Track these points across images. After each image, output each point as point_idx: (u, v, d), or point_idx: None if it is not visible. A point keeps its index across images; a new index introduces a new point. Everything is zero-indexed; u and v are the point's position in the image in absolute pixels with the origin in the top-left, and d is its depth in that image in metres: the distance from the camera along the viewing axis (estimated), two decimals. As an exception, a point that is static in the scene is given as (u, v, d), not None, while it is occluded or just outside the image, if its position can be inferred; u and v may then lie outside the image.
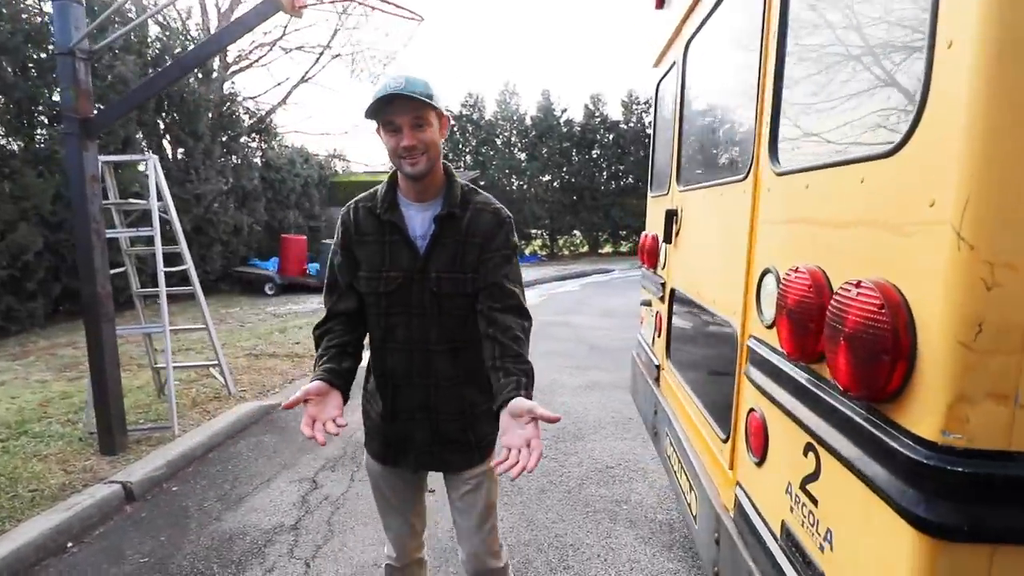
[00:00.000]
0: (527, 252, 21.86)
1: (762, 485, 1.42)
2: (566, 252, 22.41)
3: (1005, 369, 0.75)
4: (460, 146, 21.17)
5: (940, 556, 0.80)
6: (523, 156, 20.98)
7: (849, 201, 1.03)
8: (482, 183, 19.76)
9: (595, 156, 21.28)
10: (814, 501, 1.13)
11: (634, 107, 21.20)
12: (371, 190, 1.58)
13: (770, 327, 1.39)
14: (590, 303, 10.45)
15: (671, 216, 2.57)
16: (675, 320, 2.64)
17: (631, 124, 21.10)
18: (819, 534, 1.11)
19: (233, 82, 12.62)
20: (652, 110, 3.34)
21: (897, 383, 0.85)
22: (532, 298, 11.20)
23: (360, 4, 4.40)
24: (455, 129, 20.97)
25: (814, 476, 1.14)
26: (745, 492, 1.52)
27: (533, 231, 22.08)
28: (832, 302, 0.99)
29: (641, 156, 20.40)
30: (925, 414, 0.81)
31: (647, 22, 3.25)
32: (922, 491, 0.80)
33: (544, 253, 21.88)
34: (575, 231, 22.07)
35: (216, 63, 12.18)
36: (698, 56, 2.34)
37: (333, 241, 1.62)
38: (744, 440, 1.53)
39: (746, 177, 1.62)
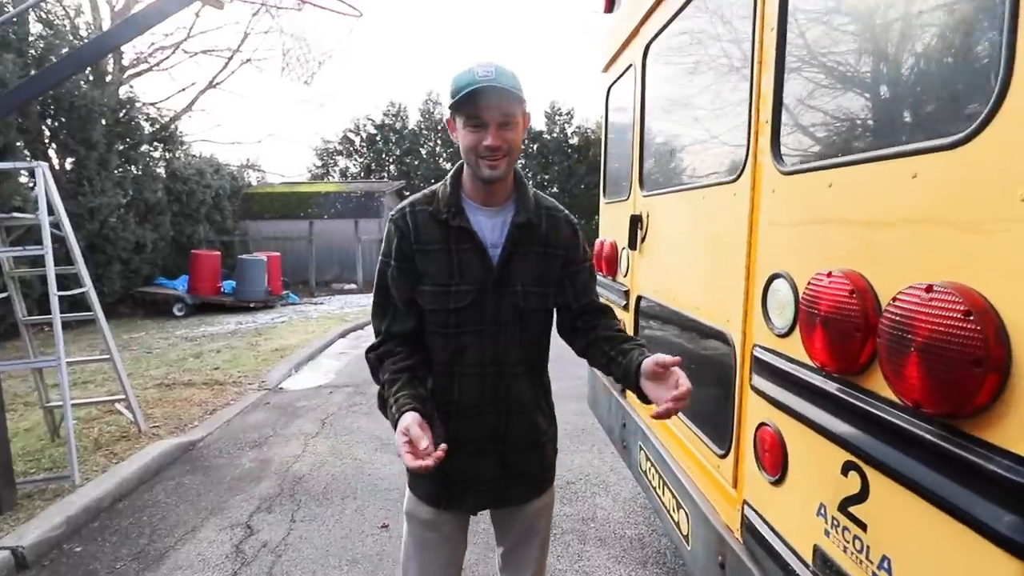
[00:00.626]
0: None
1: (782, 505, 1.33)
2: (495, 262, 22.40)
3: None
4: (383, 155, 20.66)
5: (1055, 591, 0.71)
6: (448, 166, 20.79)
7: (896, 199, 0.96)
8: (407, 192, 19.38)
9: (520, 166, 21.46)
10: (861, 525, 1.04)
11: (556, 118, 21.60)
12: (425, 192, 1.41)
13: (785, 336, 1.30)
14: (526, 312, 10.40)
15: (635, 221, 2.49)
16: (643, 329, 2.56)
17: (554, 135, 21.48)
18: (871, 561, 1.02)
19: (131, 86, 11.55)
20: (603, 116, 3.28)
21: (986, 398, 0.77)
22: (467, 309, 10.98)
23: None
24: (378, 138, 20.47)
25: (859, 498, 1.05)
26: (757, 512, 1.43)
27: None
28: (891, 310, 0.90)
29: (565, 166, 20.79)
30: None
31: (593, 27, 3.20)
32: (1031, 519, 0.72)
33: (473, 263, 21.75)
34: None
35: (111, 65, 11.10)
36: (663, 58, 2.28)
37: (382, 253, 1.41)
38: (754, 456, 1.44)
39: (738, 178, 1.55)
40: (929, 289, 0.83)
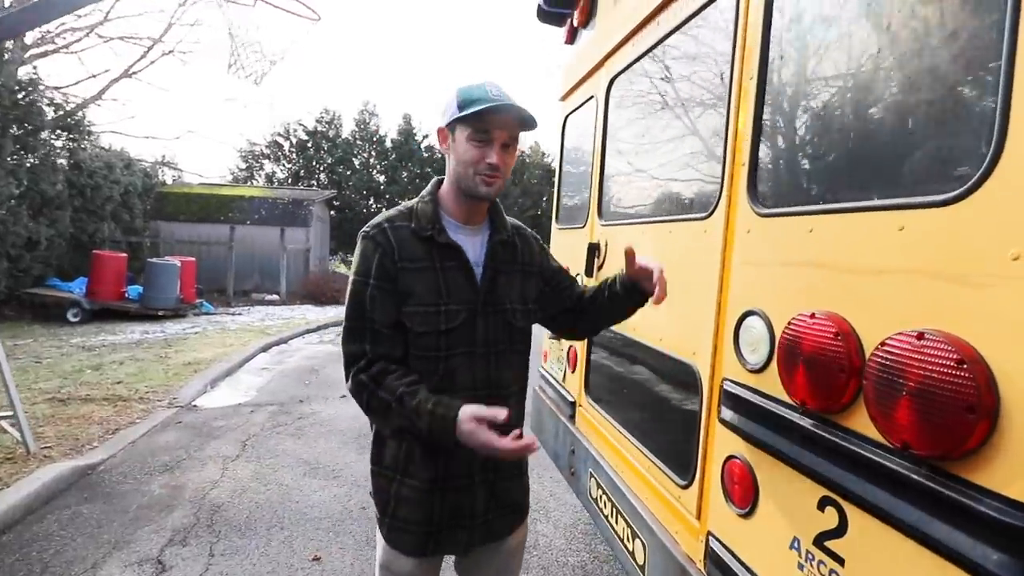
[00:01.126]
0: (385, 277, 21.17)
1: (751, 538, 1.35)
2: (425, 278, 22.14)
3: (1099, 428, 0.74)
4: (314, 163, 19.99)
5: (1040, 628, 0.76)
6: (382, 178, 20.43)
7: (878, 246, 1.01)
8: (337, 203, 18.82)
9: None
10: (838, 560, 1.08)
11: (493, 139, 21.86)
12: (400, 208, 1.36)
13: (758, 371, 1.34)
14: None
15: (593, 250, 2.53)
16: (596, 357, 2.58)
17: (490, 155, 21.70)
18: (848, 596, 1.05)
19: (35, 67, 10.51)
20: (559, 144, 3.33)
21: (977, 442, 0.82)
22: (397, 326, 10.73)
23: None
24: (309, 145, 19.81)
25: (837, 533, 1.08)
26: (724, 544, 1.45)
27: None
28: (880, 353, 0.94)
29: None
30: (1015, 473, 0.77)
31: (553, 56, 3.27)
32: (1020, 559, 0.76)
33: (403, 279, 21.37)
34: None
35: (11, 43, 10.05)
36: (628, 92, 2.35)
37: (357, 272, 1.29)
38: (720, 488, 1.47)
39: (709, 216, 1.60)
40: (920, 336, 0.88)
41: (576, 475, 2.62)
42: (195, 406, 5.29)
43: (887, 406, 0.93)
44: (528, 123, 1.28)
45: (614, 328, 2.32)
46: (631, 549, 1.98)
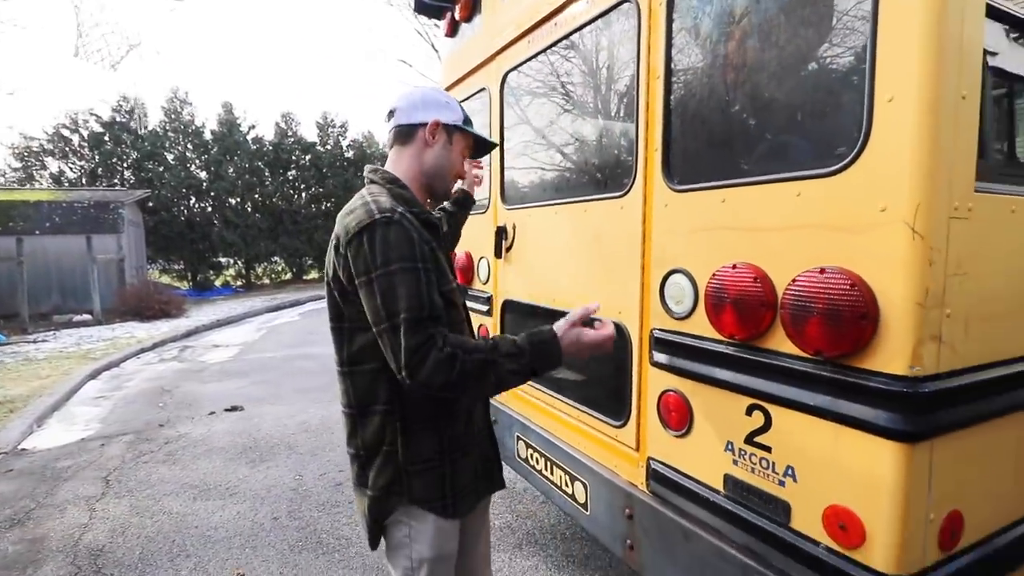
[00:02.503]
0: (218, 284, 19.18)
1: (689, 452, 1.67)
2: (267, 280, 20.46)
3: (937, 319, 1.13)
4: (115, 159, 17.26)
5: (912, 455, 1.13)
6: (204, 175, 18.35)
7: (781, 210, 1.35)
8: (150, 203, 16.56)
9: (291, 178, 20.09)
10: (766, 449, 1.42)
11: (330, 129, 20.81)
12: (385, 197, 1.30)
13: (684, 318, 1.66)
14: (320, 332, 9.82)
15: (501, 232, 2.72)
16: (511, 330, 2.79)
17: (328, 147, 20.64)
18: (776, 472, 1.39)
19: None
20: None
21: (866, 340, 1.17)
22: (250, 333, 9.99)
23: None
24: (106, 138, 17.04)
25: (763, 430, 1.42)
26: (664, 464, 1.76)
27: (223, 259, 19.50)
28: (793, 288, 1.28)
29: (342, 179, 20.13)
30: (895, 357, 1.14)
31: (435, 47, 3.35)
32: (900, 413, 1.13)
33: (239, 284, 19.53)
34: (275, 257, 20.35)
35: None
36: (527, 86, 2.56)
37: (402, 258, 1.19)
38: (658, 419, 1.77)
39: (625, 195, 1.89)
40: (823, 271, 1.23)
41: (499, 442, 2.82)
42: (24, 450, 4.47)
43: (802, 326, 1.26)
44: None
45: (527, 300, 2.56)
46: (571, 492, 2.24)
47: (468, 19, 2.99)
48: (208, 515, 3.30)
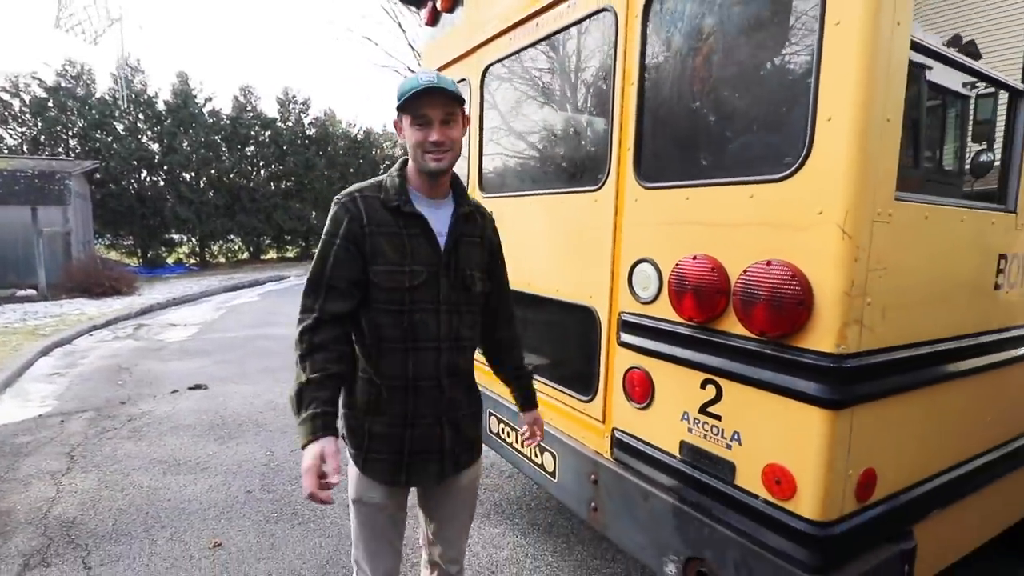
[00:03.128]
0: (170, 261, 18.56)
1: (650, 422, 1.87)
2: (222, 259, 19.89)
3: (860, 306, 1.35)
4: (59, 127, 16.38)
5: (836, 421, 1.35)
6: (156, 147, 17.64)
7: (736, 209, 1.54)
8: (98, 175, 15.85)
9: (250, 154, 19.51)
10: (716, 418, 1.63)
11: (291, 106, 20.28)
12: (371, 182, 1.52)
13: (649, 303, 1.85)
14: (283, 312, 9.74)
15: (478, 219, 2.85)
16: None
17: (289, 123, 20.12)
18: (724, 438, 1.61)
19: None
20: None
21: (802, 323, 1.38)
22: (209, 312, 9.81)
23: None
24: (51, 104, 16.14)
25: (715, 400, 1.63)
26: (627, 433, 1.96)
27: (176, 236, 18.86)
28: (744, 277, 1.47)
29: (303, 158, 19.69)
30: (825, 337, 1.35)
31: (410, 34, 3.42)
32: (827, 384, 1.34)
33: (193, 262, 18.94)
34: (232, 236, 19.80)
35: None
36: (507, 81, 2.69)
37: (327, 233, 1.45)
38: (623, 393, 1.97)
39: (599, 188, 2.06)
40: (769, 263, 1.43)
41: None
42: (-23, 426, 4.37)
43: (750, 310, 1.47)
44: (457, 97, 1.42)
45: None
46: (540, 462, 2.43)
47: (450, 10, 3.08)
48: (180, 489, 3.35)
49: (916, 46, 1.43)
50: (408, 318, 1.46)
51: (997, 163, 3.21)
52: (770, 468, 1.48)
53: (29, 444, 4.01)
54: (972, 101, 3.28)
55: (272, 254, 21.21)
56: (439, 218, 1.52)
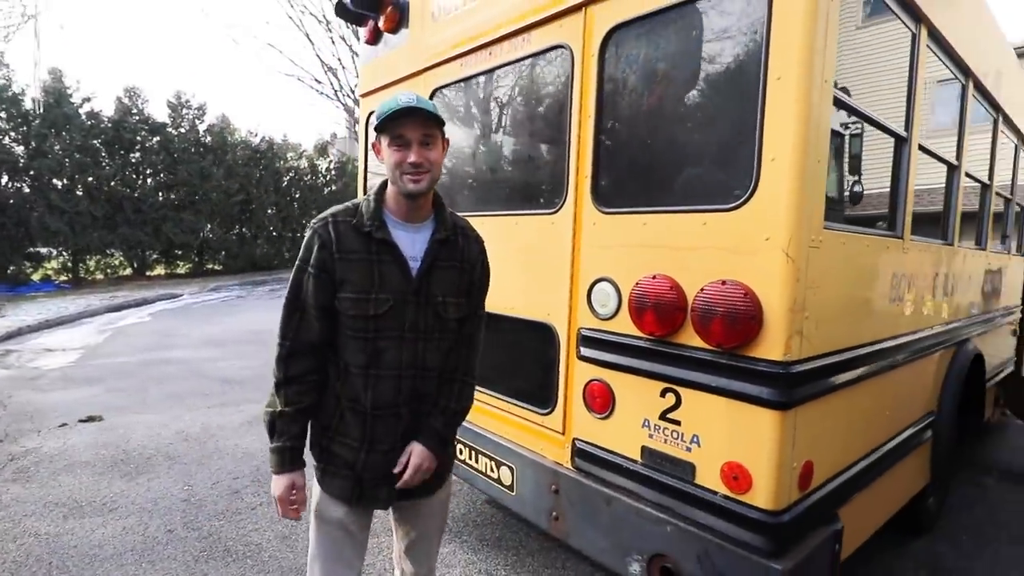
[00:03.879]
0: (36, 278, 16.46)
1: (611, 431, 2.00)
2: (100, 276, 17.95)
3: (800, 320, 1.56)
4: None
5: (784, 420, 1.55)
6: (22, 150, 15.66)
7: (691, 234, 1.72)
8: None
9: (134, 161, 17.87)
10: (676, 423, 1.79)
11: (184, 111, 18.87)
12: (347, 204, 1.51)
13: (608, 319, 1.99)
14: (182, 333, 8.99)
15: (425, 238, 2.88)
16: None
17: (181, 130, 18.69)
18: (684, 441, 1.77)
19: None
20: (361, 138, 3.52)
21: (754, 335, 1.57)
22: (91, 335, 8.88)
23: None
24: None
25: (674, 408, 1.79)
26: (588, 442, 2.08)
27: (44, 249, 16.77)
28: (701, 295, 1.65)
29: (197, 167, 18.35)
30: (774, 347, 1.54)
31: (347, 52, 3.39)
32: (776, 388, 1.54)
33: (65, 278, 16.93)
34: (112, 250, 17.94)
35: None
36: (455, 105, 2.76)
37: (300, 259, 1.47)
38: (583, 405, 2.09)
39: (556, 212, 2.18)
40: (724, 282, 1.61)
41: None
42: None
43: (708, 324, 1.64)
44: (436, 118, 1.42)
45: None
46: (496, 476, 2.48)
47: (393, 31, 3.11)
48: (87, 533, 3.02)
49: (837, 101, 1.70)
50: (372, 345, 1.46)
51: (865, 192, 3.76)
52: (728, 466, 1.65)
53: None
54: (847, 139, 3.82)
55: (160, 270, 19.43)
56: (415, 243, 1.50)
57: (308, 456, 1.55)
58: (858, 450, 2.04)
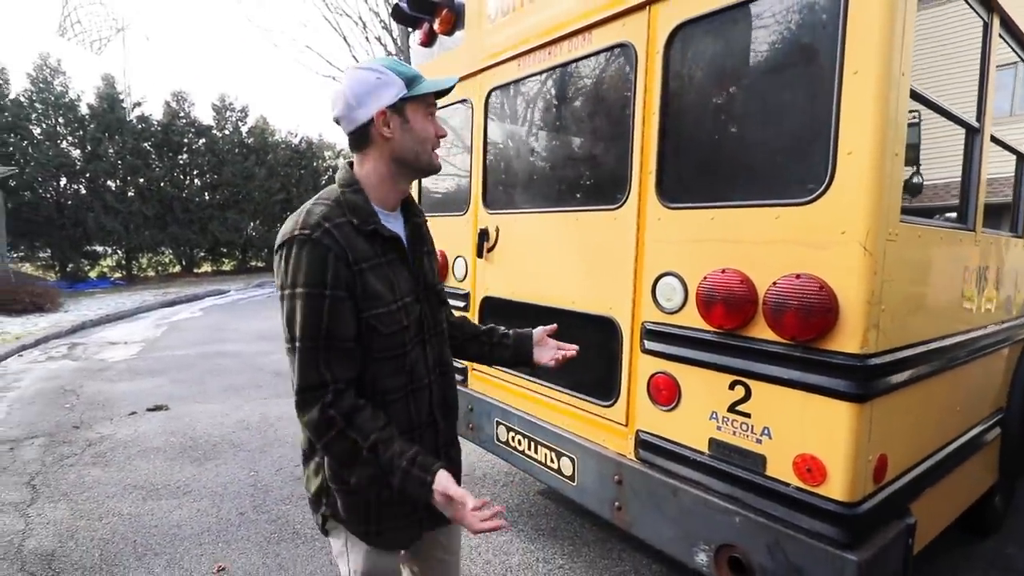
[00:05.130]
0: (93, 275, 17.31)
1: (677, 423, 2.03)
2: (152, 273, 18.75)
3: (877, 312, 1.56)
4: (-36, 131, 14.99)
5: (861, 412, 1.56)
6: (78, 153, 16.48)
7: (763, 228, 1.74)
8: (13, 183, 14.64)
9: (183, 163, 18.58)
10: (746, 415, 1.81)
11: (228, 113, 19.51)
12: (326, 203, 1.22)
13: (674, 312, 2.01)
14: (232, 328, 9.35)
15: (483, 234, 2.96)
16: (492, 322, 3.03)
17: (226, 132, 19.33)
18: (755, 433, 1.79)
19: None
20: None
21: (830, 328, 1.58)
22: (149, 329, 9.29)
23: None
24: (-47, 106, 14.74)
25: (744, 400, 1.81)
26: (652, 434, 2.11)
27: (100, 248, 17.62)
28: (775, 288, 1.67)
29: (241, 167, 18.95)
30: (850, 340, 1.55)
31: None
32: (853, 381, 1.55)
33: (119, 276, 17.75)
34: (163, 248, 18.72)
35: None
36: (513, 104, 2.82)
37: (308, 283, 1.14)
38: (648, 397, 2.12)
39: (619, 207, 2.22)
40: (799, 276, 1.63)
41: (476, 428, 3.05)
42: (-89, 458, 3.98)
43: (781, 317, 1.66)
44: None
45: (515, 298, 2.82)
46: (557, 467, 2.54)
47: (448, 33, 3.18)
48: (165, 514, 3.21)
49: (913, 94, 1.69)
50: (408, 359, 1.28)
51: (925, 183, 3.66)
52: (801, 458, 1.67)
53: (-22, 475, 3.70)
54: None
55: (207, 267, 20.20)
56: (400, 232, 1.33)
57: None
58: (930, 445, 2.02)
